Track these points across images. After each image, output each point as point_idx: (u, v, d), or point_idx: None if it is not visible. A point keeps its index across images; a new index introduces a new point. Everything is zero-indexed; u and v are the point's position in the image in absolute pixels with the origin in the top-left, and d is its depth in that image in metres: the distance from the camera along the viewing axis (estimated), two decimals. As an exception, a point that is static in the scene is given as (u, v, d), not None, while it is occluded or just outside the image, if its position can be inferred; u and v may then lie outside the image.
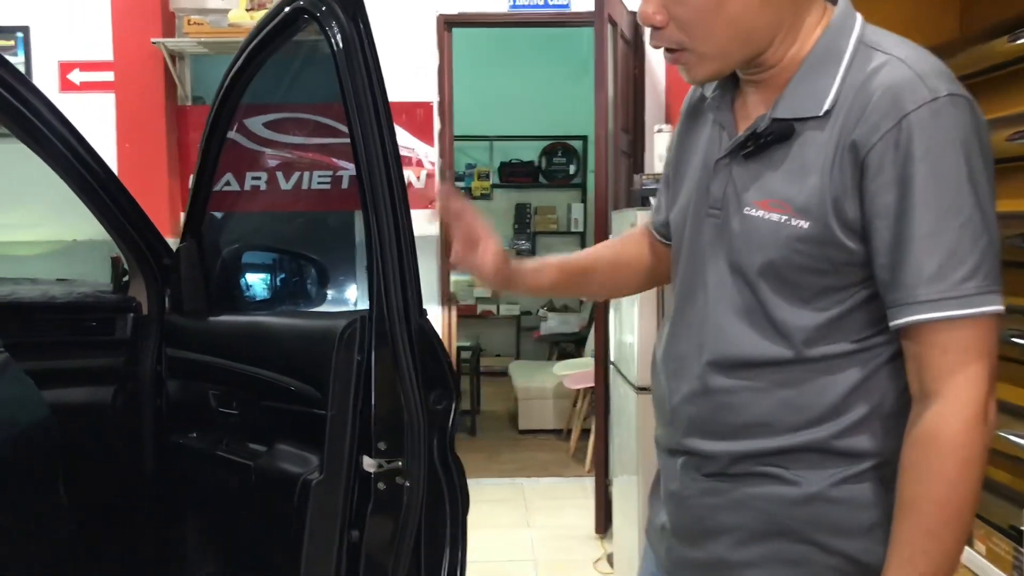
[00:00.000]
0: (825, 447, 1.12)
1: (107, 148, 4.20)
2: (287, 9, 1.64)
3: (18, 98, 1.78)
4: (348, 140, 1.51)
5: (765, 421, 1.14)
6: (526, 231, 7.69)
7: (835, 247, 1.07)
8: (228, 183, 4.35)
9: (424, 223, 4.36)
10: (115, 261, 2.11)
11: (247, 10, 4.10)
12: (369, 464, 1.47)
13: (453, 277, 4.56)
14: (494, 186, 7.70)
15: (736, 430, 1.16)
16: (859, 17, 1.13)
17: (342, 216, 4.31)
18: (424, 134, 4.43)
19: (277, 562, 1.64)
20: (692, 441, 1.20)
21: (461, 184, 7.42)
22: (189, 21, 4.19)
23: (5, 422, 1.48)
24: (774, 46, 1.12)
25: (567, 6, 4.48)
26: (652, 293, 2.68)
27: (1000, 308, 1.03)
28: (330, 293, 2.25)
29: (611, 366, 3.43)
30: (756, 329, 1.13)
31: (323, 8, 1.51)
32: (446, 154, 4.46)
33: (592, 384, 4.42)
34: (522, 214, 7.73)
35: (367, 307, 1.54)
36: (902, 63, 1.05)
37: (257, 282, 2.22)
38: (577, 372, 5.37)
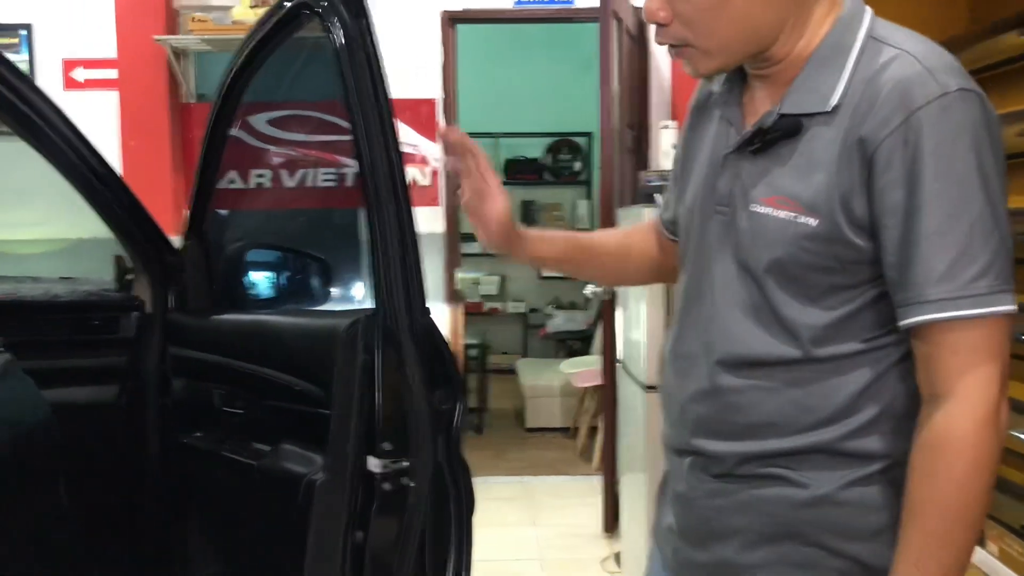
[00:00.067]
0: (834, 449, 1.10)
1: (111, 146, 4.20)
2: (288, 5, 1.63)
3: (19, 97, 1.77)
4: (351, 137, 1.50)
5: (773, 421, 1.12)
6: (531, 228, 7.67)
7: (843, 245, 1.06)
8: (233, 181, 4.34)
9: (428, 220, 4.35)
10: (118, 259, 2.11)
11: (251, 7, 4.09)
12: (374, 464, 1.46)
13: (458, 275, 4.55)
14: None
15: (743, 430, 1.14)
16: (868, 11, 1.11)
17: (347, 214, 4.30)
18: (428, 131, 4.41)
19: (281, 563, 1.63)
20: (699, 441, 1.19)
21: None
22: (193, 18, 4.18)
23: (6, 423, 1.48)
24: (780, 41, 1.11)
25: (571, 2, 4.46)
26: (660, 291, 2.66)
27: (1012, 307, 1.01)
28: (335, 291, 2.24)
29: (619, 364, 3.42)
30: (764, 328, 1.12)
31: (325, 4, 1.50)
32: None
33: (600, 382, 4.41)
34: (528, 211, 7.71)
35: (371, 305, 1.52)
36: (912, 58, 1.03)
37: (261, 280, 2.21)
38: (584, 370, 5.35)
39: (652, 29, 1.16)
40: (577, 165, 7.77)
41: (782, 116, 1.10)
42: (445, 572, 1.55)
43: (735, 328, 1.14)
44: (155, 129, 4.31)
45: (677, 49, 1.13)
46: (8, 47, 4.30)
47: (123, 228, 1.97)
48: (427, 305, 1.52)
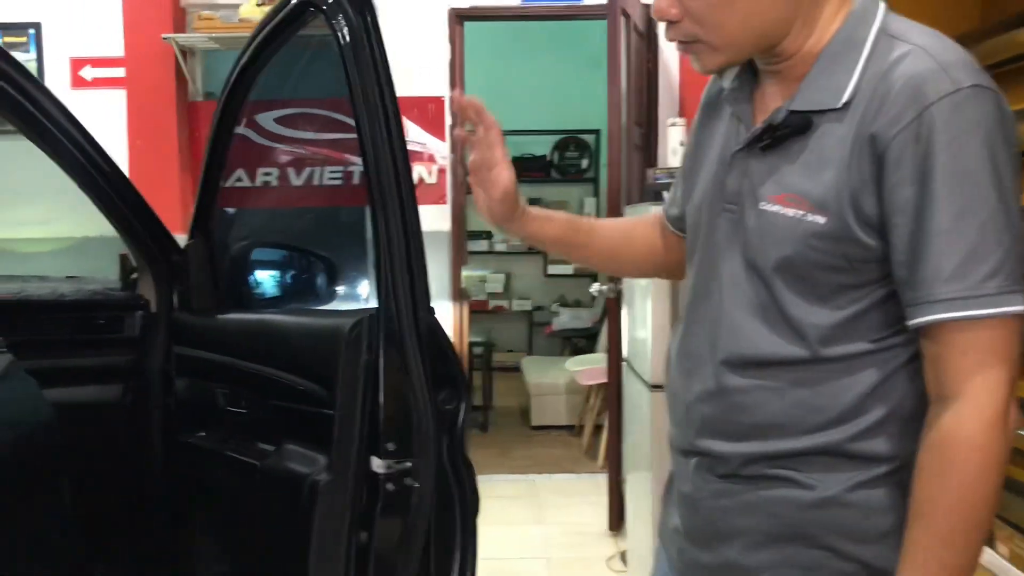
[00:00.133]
0: (841, 450, 1.09)
1: (118, 144, 4.21)
2: (294, 2, 1.62)
3: (25, 96, 1.77)
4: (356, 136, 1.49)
5: (779, 422, 1.11)
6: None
7: (852, 243, 1.04)
8: (240, 179, 4.35)
9: (435, 218, 4.34)
10: (123, 258, 2.10)
11: (257, 5, 4.08)
12: (378, 465, 1.45)
13: (464, 273, 4.54)
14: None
15: (749, 431, 1.13)
16: (882, 5, 1.09)
17: (353, 212, 4.30)
18: (435, 129, 4.41)
19: (285, 563, 1.62)
20: (705, 442, 1.18)
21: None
22: (200, 16, 4.19)
23: (7, 423, 1.47)
24: (791, 36, 1.10)
25: (580, -1, 4.45)
26: (665, 289, 2.65)
27: (1022, 308, 1.00)
28: (340, 290, 2.23)
29: (624, 363, 3.40)
30: (771, 327, 1.11)
31: (330, 1, 1.49)
32: (458, 150, 4.43)
33: (605, 380, 4.40)
34: (535, 209, 7.69)
35: (375, 304, 1.52)
36: (925, 53, 1.02)
37: (266, 279, 2.20)
38: (590, 368, 5.34)
39: (661, 26, 1.16)
40: (584, 163, 7.76)
41: (792, 113, 1.08)
42: (450, 573, 1.55)
43: (742, 327, 1.13)
44: (162, 127, 4.32)
45: (686, 45, 1.12)
46: (16, 46, 4.30)
47: (128, 227, 1.97)
48: (431, 304, 1.51)
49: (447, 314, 4.40)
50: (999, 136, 0.99)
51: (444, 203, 4.43)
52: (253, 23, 3.72)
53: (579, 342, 6.99)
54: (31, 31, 4.35)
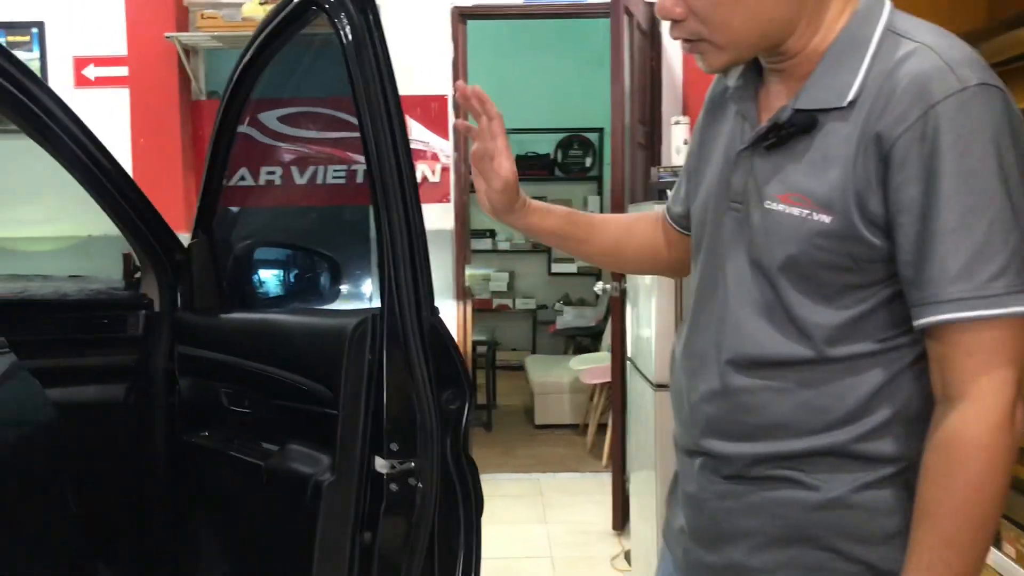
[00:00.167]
0: (846, 451, 1.08)
1: (122, 143, 4.21)
2: (296, 1, 1.62)
3: (27, 95, 1.76)
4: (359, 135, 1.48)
5: (784, 423, 1.11)
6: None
7: (857, 243, 1.04)
8: (243, 178, 4.36)
9: (439, 217, 4.34)
10: (127, 257, 2.10)
11: (260, 3, 4.08)
12: (381, 465, 1.45)
13: (468, 271, 4.53)
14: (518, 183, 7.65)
15: (754, 431, 1.13)
16: (887, 3, 1.09)
17: (357, 211, 4.30)
18: (439, 128, 4.40)
19: (289, 563, 1.62)
20: (709, 442, 1.17)
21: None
22: (202, 15, 4.18)
23: (10, 423, 1.47)
24: (796, 34, 1.09)
25: (582, -3, 4.44)
26: (670, 288, 2.65)
27: None
28: (344, 289, 2.23)
29: (628, 362, 3.40)
30: (776, 327, 1.10)
31: (332, 0, 1.49)
32: (461, 147, 4.43)
33: (609, 379, 4.39)
34: (538, 207, 7.68)
35: (379, 304, 1.51)
36: (931, 51, 1.01)
37: (269, 278, 2.20)
38: (594, 367, 5.34)
39: (665, 24, 1.15)
40: (588, 161, 7.75)
41: (797, 111, 1.08)
42: (454, 573, 1.54)
43: (747, 327, 1.12)
44: (165, 126, 4.32)
45: (691, 44, 1.12)
46: (20, 45, 4.31)
47: (131, 226, 1.96)
48: (435, 304, 1.51)
49: (451, 313, 4.40)
50: (1006, 135, 0.99)
51: (447, 202, 4.43)
52: (256, 22, 3.72)
53: (583, 341, 6.99)
54: (34, 30, 4.35)
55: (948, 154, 0.98)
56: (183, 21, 4.33)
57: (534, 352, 7.43)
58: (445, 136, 4.40)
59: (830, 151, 1.05)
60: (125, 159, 4.11)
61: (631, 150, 3.89)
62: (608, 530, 4.02)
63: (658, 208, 1.47)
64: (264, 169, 4.36)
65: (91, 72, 4.38)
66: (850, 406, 1.08)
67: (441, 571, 1.52)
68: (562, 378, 5.87)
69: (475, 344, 5.48)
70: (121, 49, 4.32)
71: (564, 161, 7.77)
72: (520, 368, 6.67)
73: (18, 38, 4.33)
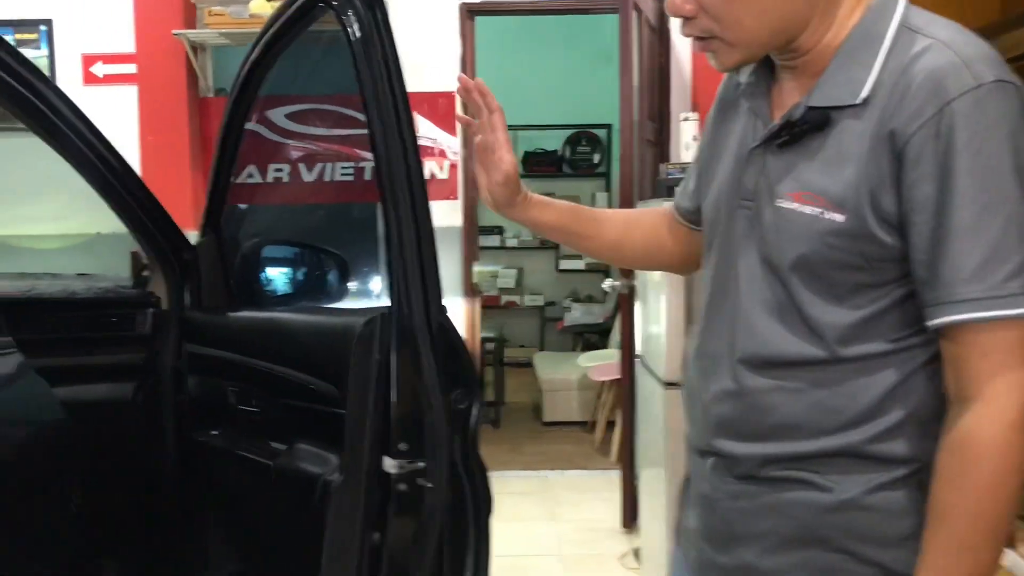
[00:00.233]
0: (859, 452, 1.07)
1: (130, 141, 4.21)
2: (303, -2, 1.61)
3: (35, 93, 1.76)
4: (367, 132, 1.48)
5: (797, 423, 1.10)
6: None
7: (870, 242, 1.03)
8: (251, 175, 4.35)
9: (446, 214, 4.33)
10: (134, 256, 2.10)
11: (267, 0, 4.08)
12: (390, 465, 1.44)
13: (476, 268, 4.53)
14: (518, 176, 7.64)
15: (767, 432, 1.12)
16: None
17: (365, 208, 4.30)
18: (447, 124, 4.39)
19: (298, 563, 1.62)
20: (722, 442, 1.17)
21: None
22: (210, 12, 4.18)
23: (18, 423, 1.47)
24: (809, 31, 1.08)
25: (591, -7, 4.42)
26: (680, 285, 2.63)
27: None
28: (353, 287, 2.22)
29: (637, 359, 3.38)
30: (788, 327, 1.09)
31: (340, -4, 1.48)
32: (469, 144, 4.42)
33: (618, 376, 4.38)
34: (546, 203, 7.66)
35: (388, 302, 1.50)
36: (946, 47, 1.00)
37: (277, 277, 2.19)
38: (603, 364, 5.33)
39: (673, 20, 1.14)
40: (596, 157, 7.73)
41: (810, 109, 1.07)
42: (463, 574, 1.53)
43: (759, 327, 1.11)
44: (173, 124, 4.32)
45: (703, 43, 1.11)
46: (28, 43, 4.31)
47: (139, 224, 1.96)
48: (444, 303, 1.50)
49: (459, 310, 4.39)
50: (1022, 132, 0.97)
51: (455, 198, 4.42)
52: (263, 19, 3.71)
53: (591, 338, 6.98)
54: (43, 28, 4.35)
55: (963, 152, 0.96)
56: (191, 18, 4.33)
57: (542, 349, 7.42)
58: (453, 133, 4.39)
59: (843, 149, 1.04)
60: (133, 157, 4.11)
61: (640, 146, 3.88)
62: (617, 528, 4.01)
63: (666, 204, 1.46)
64: (272, 166, 4.36)
65: (99, 69, 4.38)
66: (863, 406, 1.07)
67: (450, 572, 1.51)
68: (570, 375, 5.87)
69: (483, 341, 5.47)
70: (129, 46, 4.32)
71: (572, 157, 7.75)
72: (528, 365, 6.66)
73: (26, 36, 4.33)
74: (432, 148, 4.36)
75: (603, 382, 5.39)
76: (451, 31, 4.37)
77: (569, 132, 7.69)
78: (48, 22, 4.37)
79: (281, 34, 1.76)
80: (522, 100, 7.16)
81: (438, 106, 4.37)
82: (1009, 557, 1.79)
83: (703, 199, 1.27)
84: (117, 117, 4.17)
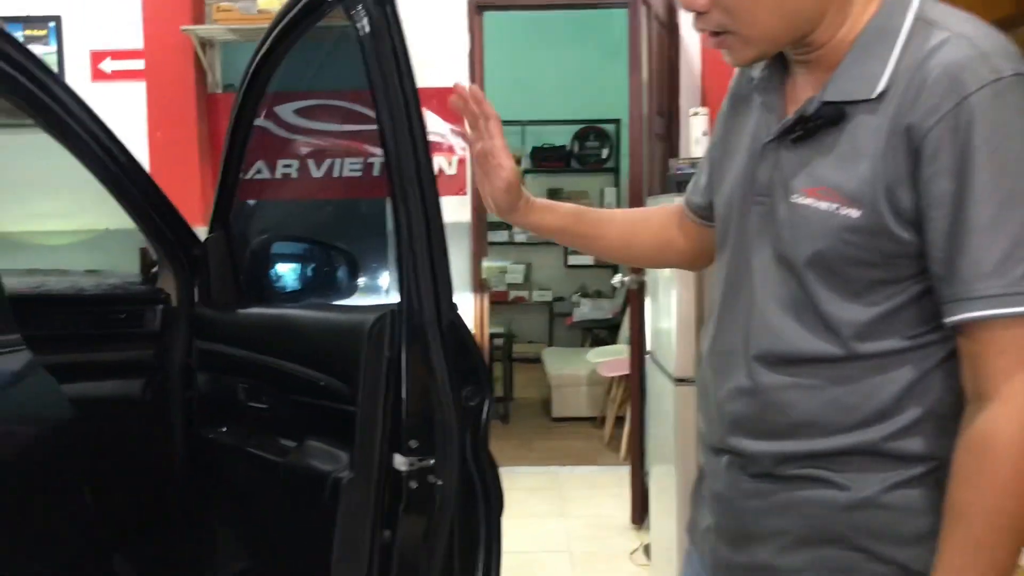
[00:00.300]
0: (876, 449, 1.06)
1: (138, 137, 4.21)
2: (312, -7, 1.60)
3: (43, 89, 1.76)
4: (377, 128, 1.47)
5: (813, 421, 1.09)
6: (559, 215, 7.61)
7: (887, 238, 1.01)
8: (259, 171, 4.35)
9: (455, 209, 4.32)
10: (143, 252, 2.10)
11: (276, -4, 4.07)
12: (400, 462, 1.44)
13: (484, 264, 4.52)
14: (526, 171, 7.65)
15: (783, 429, 1.11)
16: None
17: (374, 204, 4.29)
18: (455, 120, 4.37)
19: (308, 560, 1.61)
20: (736, 440, 1.15)
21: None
22: (218, 8, 4.18)
23: (28, 421, 1.47)
24: (823, 25, 1.07)
25: (600, -12, 4.41)
26: (691, 281, 2.62)
27: None
28: (362, 284, 2.21)
29: (647, 355, 3.37)
30: (803, 323, 1.08)
31: (349, -9, 1.47)
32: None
33: (627, 372, 4.37)
34: (554, 199, 7.64)
35: (397, 299, 1.50)
36: (964, 40, 0.98)
37: (286, 273, 2.19)
38: (612, 360, 5.32)
39: (683, 14, 1.13)
40: (604, 152, 7.71)
41: (825, 104, 1.05)
42: (474, 572, 1.53)
43: (774, 323, 1.10)
44: (182, 120, 4.32)
45: (717, 38, 1.09)
46: (37, 39, 4.32)
47: (148, 220, 1.96)
48: (454, 299, 1.49)
49: (467, 305, 4.39)
50: None
51: (464, 194, 4.41)
52: (272, 14, 3.71)
53: (600, 333, 6.97)
54: (51, 24, 4.36)
55: (982, 147, 0.95)
56: (199, 14, 4.33)
57: (551, 344, 7.42)
58: (462, 128, 4.38)
59: (859, 144, 1.03)
60: (142, 153, 4.11)
61: (649, 142, 3.86)
62: (627, 524, 4.00)
63: (677, 200, 1.45)
64: (280, 162, 4.36)
65: (108, 66, 4.38)
66: (880, 404, 1.05)
67: (461, 570, 1.50)
68: (579, 371, 5.86)
69: (492, 336, 5.47)
70: (137, 43, 4.32)
71: (581, 153, 7.73)
72: (537, 360, 6.66)
73: (35, 32, 4.33)
74: (441, 144, 4.35)
75: (612, 378, 5.38)
76: (460, 26, 4.36)
77: (577, 127, 7.68)
78: (57, 18, 4.37)
79: (289, 30, 1.75)
80: (530, 95, 7.17)
81: (447, 102, 4.35)
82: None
83: (715, 195, 1.26)
84: (125, 113, 4.17)
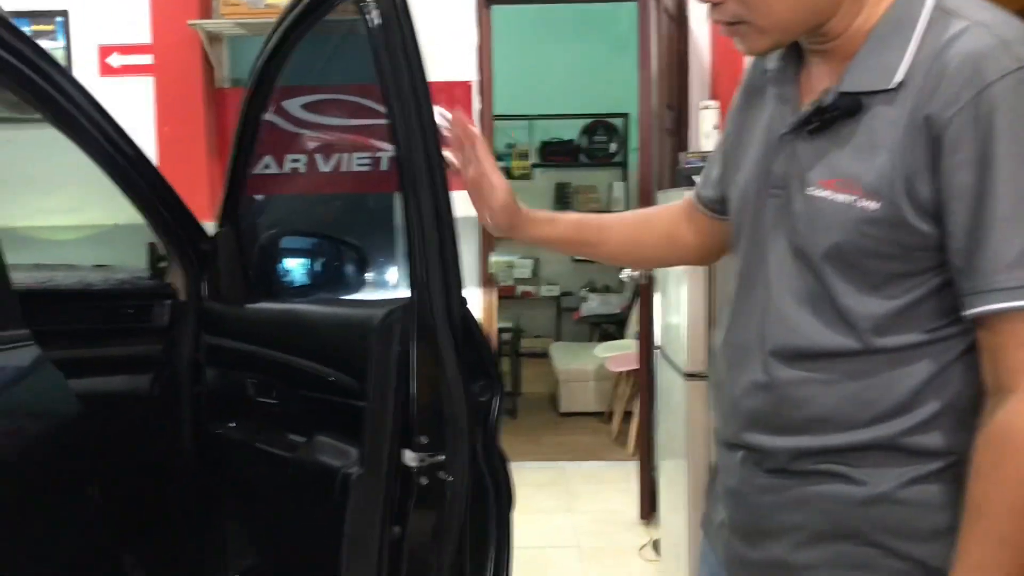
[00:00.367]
0: (893, 444, 1.05)
1: (146, 132, 4.20)
2: (320, -14, 1.59)
3: (52, 84, 1.75)
4: (387, 121, 1.45)
5: (830, 416, 1.08)
6: (567, 211, 7.59)
7: (906, 230, 1.00)
8: (267, 166, 4.34)
9: (464, 204, 4.29)
10: (152, 247, 2.09)
11: (284, -10, 4.05)
12: (410, 458, 1.43)
13: (492, 258, 4.50)
14: (534, 166, 7.63)
15: (799, 425, 1.10)
16: None
17: (382, 199, 4.28)
18: (464, 115, 4.36)
19: (317, 557, 1.60)
20: (751, 435, 1.14)
21: (501, 164, 7.35)
22: (226, 2, 4.16)
23: (34, 416, 1.46)
24: (840, 14, 1.06)
25: (608, -19, 4.38)
26: (702, 275, 2.60)
27: None
28: (370, 278, 2.20)
29: (657, 350, 3.36)
30: (820, 318, 1.07)
31: (358, -16, 1.45)
32: (486, 134, 4.39)
33: (636, 367, 4.36)
34: (562, 194, 7.65)
35: (407, 294, 1.49)
36: (984, 29, 0.97)
37: (295, 268, 2.18)
38: (619, 354, 5.30)
39: (692, 7, 1.12)
40: (613, 147, 7.68)
41: (842, 94, 1.04)
42: (484, 568, 1.52)
43: (791, 317, 1.09)
44: (190, 114, 4.31)
45: (731, 27, 1.08)
46: (45, 34, 4.31)
47: (156, 215, 1.95)
48: (464, 294, 1.48)
49: (475, 300, 4.37)
50: None
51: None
52: (279, 8, 3.70)
53: (608, 328, 6.96)
54: (59, 19, 4.35)
55: (1003, 137, 0.94)
56: (207, 8, 4.32)
57: (558, 339, 7.40)
58: (470, 122, 4.36)
59: (877, 135, 1.02)
60: (150, 147, 4.10)
61: (659, 136, 3.85)
62: (635, 519, 3.99)
63: (686, 194, 1.44)
64: (289, 157, 4.34)
65: (115, 60, 4.38)
66: (898, 399, 1.04)
67: (472, 566, 1.49)
68: (587, 365, 5.85)
69: (499, 331, 5.46)
70: (145, 37, 4.31)
71: (589, 147, 7.71)
72: (544, 355, 6.65)
73: (43, 27, 4.33)
74: (449, 138, 4.33)
75: (620, 373, 5.37)
76: (468, 21, 4.34)
77: (586, 121, 7.65)
78: (64, 13, 4.36)
79: (298, 23, 1.74)
80: (538, 89, 7.15)
81: (455, 96, 4.34)
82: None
83: (729, 188, 1.25)
84: (133, 108, 4.16)
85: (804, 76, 1.14)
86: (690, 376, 2.65)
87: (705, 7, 1.09)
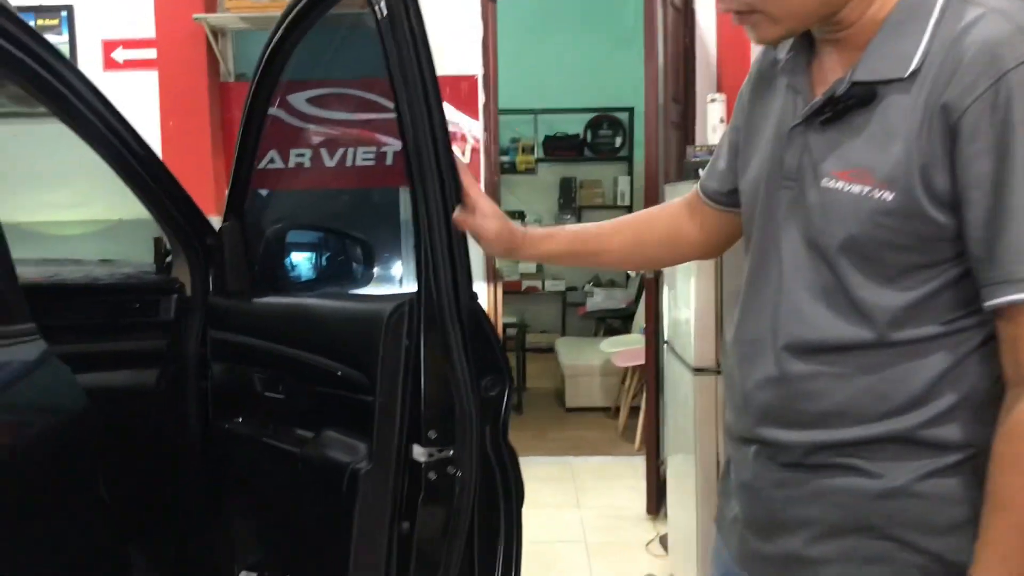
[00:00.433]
0: (910, 437, 1.04)
1: (151, 126, 4.20)
2: (326, -22, 1.57)
3: (57, 77, 1.73)
4: (393, 115, 1.44)
5: (845, 409, 1.06)
6: (571, 205, 7.57)
7: (922, 221, 0.99)
8: (272, 160, 4.33)
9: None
10: (157, 241, 2.08)
11: (288, -16, 4.04)
12: (419, 453, 1.42)
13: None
14: (539, 160, 7.61)
15: (813, 419, 1.08)
16: None
17: (389, 193, 4.27)
18: (469, 108, 4.35)
19: (325, 552, 1.59)
20: (765, 430, 1.13)
21: (505, 158, 7.34)
22: (230, -4, 4.15)
23: (40, 411, 1.45)
24: (853, 2, 1.04)
25: (614, -26, 4.36)
26: (710, 269, 2.58)
27: None
28: (376, 273, 2.19)
29: (664, 345, 3.34)
30: (835, 310, 1.06)
31: (366, -24, 1.44)
32: (491, 128, 4.37)
33: (642, 362, 4.34)
34: (567, 188, 7.62)
35: (415, 288, 1.47)
36: (1001, 16, 0.95)
37: (302, 262, 2.17)
38: (626, 349, 5.29)
39: (700, 1, 1.10)
40: (618, 141, 7.66)
41: (855, 83, 1.03)
42: (494, 564, 1.51)
43: (805, 311, 1.08)
44: (194, 109, 4.30)
45: (742, 16, 1.07)
46: (49, 28, 4.30)
47: (162, 209, 1.94)
48: (473, 288, 1.47)
49: (480, 295, 4.36)
50: None
51: (477, 182, 4.38)
52: (284, 2, 3.68)
53: (613, 323, 6.94)
54: (63, 13, 4.34)
55: (1022, 125, 0.93)
56: (211, 2, 4.31)
57: (564, 334, 7.38)
58: (475, 116, 4.35)
59: (891, 125, 1.00)
60: (154, 142, 4.09)
61: (665, 129, 3.83)
62: (642, 514, 3.98)
63: (694, 188, 1.42)
64: (294, 151, 4.33)
65: (120, 55, 4.37)
66: (914, 391, 1.03)
67: (481, 562, 1.48)
68: (593, 360, 5.83)
69: (505, 326, 5.44)
70: (149, 31, 4.30)
71: (594, 141, 7.68)
72: (550, 350, 6.63)
73: (47, 22, 4.32)
74: (454, 132, 4.32)
75: (626, 368, 5.35)
76: (472, 14, 4.32)
77: (590, 115, 7.62)
78: (69, 8, 4.35)
79: (302, 17, 1.72)
80: (543, 83, 7.13)
81: (460, 90, 4.32)
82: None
83: (740, 180, 1.23)
84: (138, 102, 4.16)
85: (816, 66, 1.12)
86: (699, 371, 2.64)
87: None
